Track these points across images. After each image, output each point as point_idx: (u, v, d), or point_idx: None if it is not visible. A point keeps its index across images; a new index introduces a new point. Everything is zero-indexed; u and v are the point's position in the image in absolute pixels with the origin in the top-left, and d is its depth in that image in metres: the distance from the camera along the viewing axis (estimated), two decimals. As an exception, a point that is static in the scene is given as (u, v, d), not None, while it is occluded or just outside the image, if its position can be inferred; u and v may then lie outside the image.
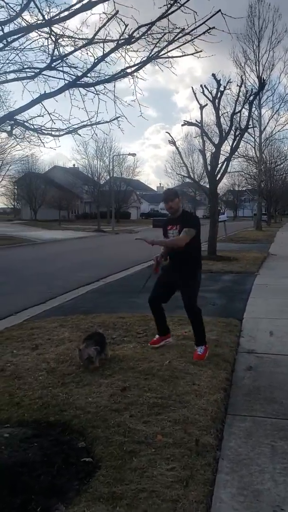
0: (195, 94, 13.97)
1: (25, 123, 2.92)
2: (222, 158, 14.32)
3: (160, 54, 2.93)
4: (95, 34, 2.33)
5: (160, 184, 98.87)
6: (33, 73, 2.76)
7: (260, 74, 31.07)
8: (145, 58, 2.87)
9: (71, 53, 2.35)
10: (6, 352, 4.85)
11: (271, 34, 31.35)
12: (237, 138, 14.09)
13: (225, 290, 9.15)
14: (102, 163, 48.74)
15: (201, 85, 13.06)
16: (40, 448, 2.88)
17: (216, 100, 13.37)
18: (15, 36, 2.23)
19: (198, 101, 14.18)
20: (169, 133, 18.48)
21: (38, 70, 2.68)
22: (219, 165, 14.02)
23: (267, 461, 2.88)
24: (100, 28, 2.27)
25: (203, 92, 13.16)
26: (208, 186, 15.43)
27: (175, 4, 2.55)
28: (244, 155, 33.49)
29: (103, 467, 2.72)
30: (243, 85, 15.32)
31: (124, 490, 2.49)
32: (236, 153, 18.58)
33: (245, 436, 3.18)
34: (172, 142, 14.48)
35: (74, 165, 62.32)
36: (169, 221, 4.82)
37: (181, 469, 2.70)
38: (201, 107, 14.10)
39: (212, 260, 13.50)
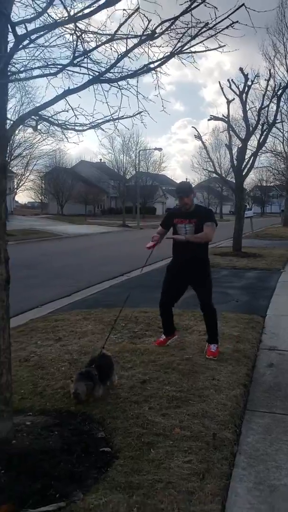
0: (222, 88, 13.86)
1: (50, 119, 2.98)
2: (248, 153, 14.17)
3: (183, 49, 2.94)
4: (116, 31, 2.35)
5: (186, 179, 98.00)
6: (57, 69, 2.81)
7: (290, 68, 30.51)
8: (168, 53, 2.89)
9: (93, 49, 2.38)
10: (30, 342, 4.97)
11: (302, 27, 30.52)
12: (265, 133, 13.90)
13: (249, 287, 9.08)
14: (128, 158, 48.79)
15: (228, 80, 12.94)
16: (61, 437, 2.95)
17: (243, 95, 13.21)
18: (40, 33, 2.29)
19: (225, 96, 14.07)
20: (195, 128, 18.36)
21: (61, 67, 2.73)
22: (246, 160, 13.88)
23: (285, 457, 2.87)
24: (121, 25, 2.30)
25: (230, 87, 13.04)
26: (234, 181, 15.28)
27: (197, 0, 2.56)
28: (272, 150, 32.93)
29: (121, 457, 2.77)
30: (271, 79, 15.07)
31: (141, 480, 2.54)
32: (263, 148, 18.37)
33: (263, 432, 3.18)
34: (198, 137, 14.41)
35: (100, 159, 62.57)
36: (178, 215, 4.60)
37: (198, 462, 2.72)
38: (228, 102, 13.97)
39: (237, 256, 13.40)
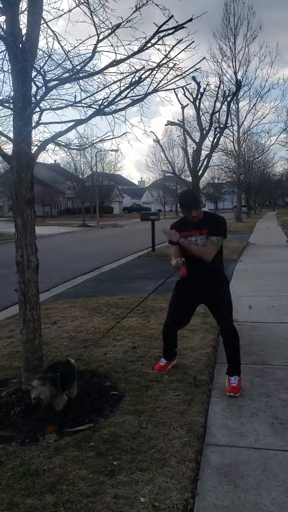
0: (176, 95, 14.94)
1: (59, 142, 3.85)
2: (203, 154, 15.34)
3: (158, 88, 3.89)
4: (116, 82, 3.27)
5: (141, 178, 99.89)
6: (70, 103, 3.71)
7: (237, 70, 32.30)
8: (150, 91, 3.82)
9: (111, 102, 3.28)
10: (30, 327, 5.77)
11: (246, 31, 32.35)
12: (217, 135, 15.12)
13: (209, 275, 10.16)
14: (84, 159, 49.44)
15: (182, 87, 14.01)
16: (78, 386, 3.83)
17: (197, 101, 14.36)
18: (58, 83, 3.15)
19: (179, 101, 15.19)
20: (153, 133, 19.37)
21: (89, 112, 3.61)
22: (200, 161, 15.03)
23: (247, 389, 3.89)
24: (120, 79, 3.21)
25: (184, 94, 14.14)
26: (188, 179, 16.44)
27: (168, 56, 3.51)
28: (223, 149, 34.59)
29: (127, 396, 3.69)
30: (221, 84, 16.28)
31: (145, 407, 3.47)
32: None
33: (230, 375, 4.18)
34: (156, 141, 15.46)
35: (55, 161, 62.78)
36: (186, 225, 3.92)
37: (185, 395, 3.69)
38: (183, 107, 15.10)
39: (196, 250, 14.52)
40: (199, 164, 14.64)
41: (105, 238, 25.45)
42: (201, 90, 14.18)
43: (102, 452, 2.89)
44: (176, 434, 3.09)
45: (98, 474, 2.65)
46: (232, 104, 24.88)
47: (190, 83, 13.21)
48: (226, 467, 2.78)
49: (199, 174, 14.83)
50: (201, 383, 3.93)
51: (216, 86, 14.76)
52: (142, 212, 16.81)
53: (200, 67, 3.75)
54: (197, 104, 14.33)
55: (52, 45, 3.65)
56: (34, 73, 3.39)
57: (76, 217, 50.89)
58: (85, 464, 2.76)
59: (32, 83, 3.31)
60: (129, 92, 3.52)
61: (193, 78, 14.07)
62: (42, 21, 3.48)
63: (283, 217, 41.68)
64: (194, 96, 14.27)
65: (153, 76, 3.71)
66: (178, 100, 15.30)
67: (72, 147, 3.98)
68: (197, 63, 3.63)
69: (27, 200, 3.43)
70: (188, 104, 15.15)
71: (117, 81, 3.39)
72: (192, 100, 14.42)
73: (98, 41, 3.01)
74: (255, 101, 34.57)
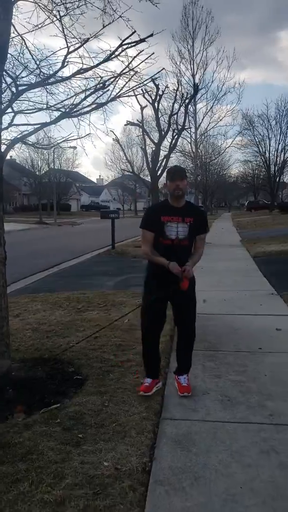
0: (136, 96, 15.23)
1: (27, 141, 4.07)
2: (161, 154, 15.76)
3: (121, 94, 4.20)
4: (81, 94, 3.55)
5: (99, 176, 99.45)
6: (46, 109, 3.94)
7: (195, 73, 33.02)
8: (113, 96, 4.12)
9: (66, 99, 3.54)
10: (-7, 319, 5.91)
11: (204, 35, 33.02)
12: (175, 137, 15.59)
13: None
14: (41, 156, 49.00)
15: (141, 89, 14.36)
16: (44, 371, 4.08)
17: (156, 103, 14.74)
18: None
19: (139, 102, 15.53)
20: (113, 132, 19.57)
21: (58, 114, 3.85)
22: (159, 162, 15.45)
23: (200, 372, 4.27)
24: (85, 90, 3.48)
25: (143, 96, 14.47)
26: (147, 179, 16.83)
27: (130, 66, 3.82)
28: (181, 150, 35.25)
29: (89, 379, 3.97)
30: (179, 86, 16.76)
31: (107, 389, 3.77)
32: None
33: (185, 360, 4.55)
34: (116, 140, 15.76)
35: (11, 156, 61.75)
36: (165, 211, 3.63)
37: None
38: (142, 108, 15.44)
39: (154, 247, 14.91)
40: (158, 165, 15.04)
41: (64, 236, 25.44)
42: (160, 92, 14.58)
43: (68, 427, 3.16)
44: (135, 410, 3.41)
45: (65, 445, 2.93)
46: (190, 106, 25.51)
47: (151, 90, 13.57)
48: (180, 437, 3.13)
49: (157, 174, 15.24)
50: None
51: (174, 89, 15.23)
52: (102, 210, 17.06)
53: (159, 76, 4.07)
54: (156, 105, 14.73)
55: (21, 48, 3.84)
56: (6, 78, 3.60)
57: (32, 214, 50.20)
58: (53, 437, 3.02)
59: (8, 88, 3.52)
60: (96, 99, 3.81)
61: (152, 80, 14.42)
62: (15, 33, 3.69)
63: (237, 218, 43.00)
64: (153, 97, 14.66)
65: (116, 82, 4.02)
66: (138, 101, 15.64)
67: (38, 146, 4.19)
68: (156, 74, 3.98)
69: (-4, 195, 3.63)
70: (147, 105, 15.53)
71: (84, 90, 3.65)
72: (151, 101, 14.80)
73: (68, 52, 3.28)
74: (212, 104, 35.35)
